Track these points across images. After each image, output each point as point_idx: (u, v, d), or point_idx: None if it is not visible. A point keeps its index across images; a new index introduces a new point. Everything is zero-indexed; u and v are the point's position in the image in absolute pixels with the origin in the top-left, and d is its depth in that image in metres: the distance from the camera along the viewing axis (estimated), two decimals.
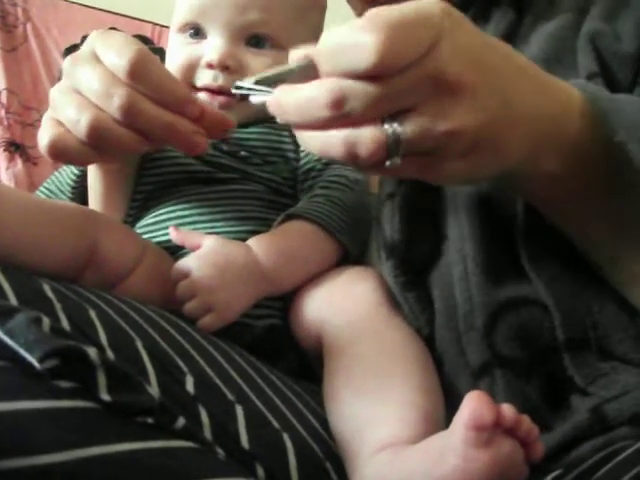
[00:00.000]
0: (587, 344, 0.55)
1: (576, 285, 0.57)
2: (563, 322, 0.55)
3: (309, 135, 0.44)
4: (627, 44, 0.64)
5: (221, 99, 0.69)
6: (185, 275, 0.59)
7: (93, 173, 0.68)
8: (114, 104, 0.53)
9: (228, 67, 0.68)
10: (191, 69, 0.69)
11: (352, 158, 0.43)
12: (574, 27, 0.68)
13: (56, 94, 0.57)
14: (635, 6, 0.67)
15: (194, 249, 0.61)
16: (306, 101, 0.43)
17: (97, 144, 0.55)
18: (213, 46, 0.69)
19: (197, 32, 0.70)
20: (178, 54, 0.71)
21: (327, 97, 0.41)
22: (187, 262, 0.60)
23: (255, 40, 0.70)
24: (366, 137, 0.42)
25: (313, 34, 0.70)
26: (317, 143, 0.44)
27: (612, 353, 0.56)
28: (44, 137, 0.55)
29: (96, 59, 0.55)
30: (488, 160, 0.48)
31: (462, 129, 0.43)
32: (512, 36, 0.71)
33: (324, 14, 0.77)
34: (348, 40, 0.41)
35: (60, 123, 0.55)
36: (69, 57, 0.57)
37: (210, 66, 0.68)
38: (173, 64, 0.70)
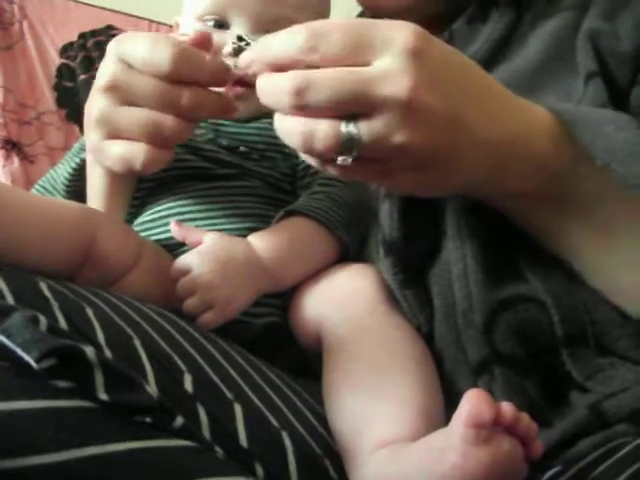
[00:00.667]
0: (585, 340, 0.56)
1: (571, 283, 0.57)
2: (562, 318, 0.56)
3: (276, 118, 0.49)
4: (626, 43, 0.65)
5: (237, 89, 0.69)
6: (186, 272, 0.59)
7: (98, 172, 0.68)
8: (181, 105, 0.56)
9: None
10: None
11: (307, 149, 0.47)
12: (573, 26, 0.68)
13: (110, 113, 0.58)
14: (634, 6, 0.68)
15: (195, 245, 0.61)
16: (274, 87, 0.47)
17: (170, 146, 0.58)
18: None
19: (218, 22, 0.70)
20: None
21: (290, 84, 0.46)
22: (188, 259, 0.60)
23: None
24: (323, 131, 0.46)
25: None
26: (280, 127, 0.49)
27: (611, 349, 0.56)
28: (136, 160, 0.57)
29: (132, 68, 0.57)
30: (439, 177, 0.51)
31: (412, 145, 0.46)
32: (511, 35, 0.71)
33: None
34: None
35: (128, 141, 0.58)
36: (103, 78, 0.58)
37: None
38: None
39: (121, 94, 0.58)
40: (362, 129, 0.45)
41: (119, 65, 0.58)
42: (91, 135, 0.60)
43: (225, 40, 0.69)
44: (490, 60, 0.70)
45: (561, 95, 0.65)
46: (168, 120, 0.57)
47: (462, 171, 0.51)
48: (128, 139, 0.58)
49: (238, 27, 0.69)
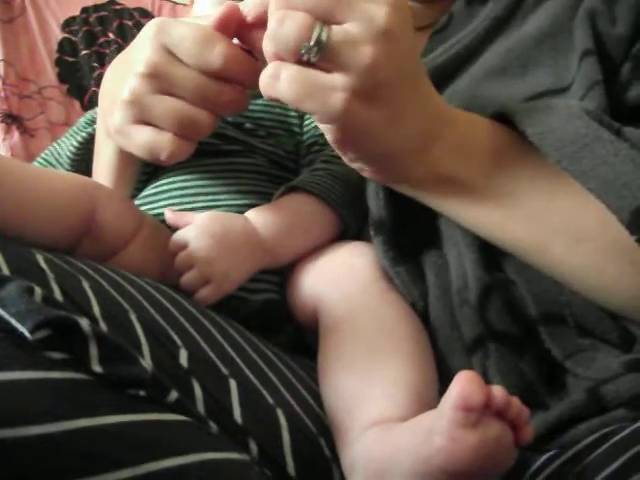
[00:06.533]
0: (563, 319, 0.55)
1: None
2: (534, 297, 0.56)
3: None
4: (621, 28, 0.65)
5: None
6: (183, 246, 0.59)
7: (110, 148, 0.67)
8: (219, 102, 0.57)
9: None
10: None
11: (279, 34, 0.48)
12: (573, 7, 0.68)
13: (144, 98, 0.57)
14: None
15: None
16: None
17: (196, 139, 0.59)
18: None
19: None
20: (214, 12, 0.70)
21: None
22: (185, 233, 0.60)
23: None
24: (297, 18, 0.48)
25: None
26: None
27: (591, 331, 0.56)
28: (163, 150, 0.58)
29: (176, 59, 0.57)
30: (383, 125, 0.51)
31: (373, 63, 0.48)
32: (510, 15, 0.71)
33: None
34: None
35: (156, 129, 0.58)
36: (142, 64, 0.57)
37: None
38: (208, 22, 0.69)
39: (159, 82, 0.57)
40: (334, 30, 0.48)
41: (162, 53, 0.57)
42: (116, 115, 0.59)
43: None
44: (485, 38, 0.70)
45: (554, 71, 0.65)
46: (202, 115, 0.57)
47: (402, 127, 0.52)
48: (156, 126, 0.58)
49: None
